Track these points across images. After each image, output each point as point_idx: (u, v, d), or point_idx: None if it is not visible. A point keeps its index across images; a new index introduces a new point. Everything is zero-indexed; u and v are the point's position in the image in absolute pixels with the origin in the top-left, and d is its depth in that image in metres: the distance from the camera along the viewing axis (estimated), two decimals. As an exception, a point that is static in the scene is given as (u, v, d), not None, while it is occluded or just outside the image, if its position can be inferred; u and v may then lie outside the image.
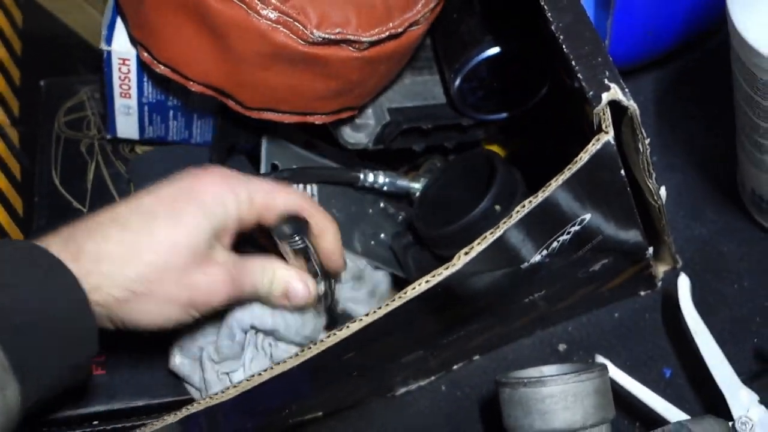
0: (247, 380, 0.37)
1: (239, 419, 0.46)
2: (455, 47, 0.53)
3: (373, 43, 0.46)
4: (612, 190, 0.36)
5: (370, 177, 0.56)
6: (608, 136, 0.31)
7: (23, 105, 0.62)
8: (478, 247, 0.32)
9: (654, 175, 0.39)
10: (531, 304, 0.48)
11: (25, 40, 0.66)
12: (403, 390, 0.59)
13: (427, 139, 0.56)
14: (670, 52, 0.55)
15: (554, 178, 0.32)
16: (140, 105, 0.54)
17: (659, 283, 0.55)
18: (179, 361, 0.45)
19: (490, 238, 0.32)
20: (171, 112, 0.56)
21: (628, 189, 0.37)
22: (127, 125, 0.56)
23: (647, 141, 0.35)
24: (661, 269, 0.53)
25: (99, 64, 0.54)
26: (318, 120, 0.50)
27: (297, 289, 0.42)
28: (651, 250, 0.47)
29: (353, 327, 0.35)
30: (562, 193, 0.33)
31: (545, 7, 0.35)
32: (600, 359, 0.49)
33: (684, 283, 0.48)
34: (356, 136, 0.55)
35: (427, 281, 0.33)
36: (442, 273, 0.33)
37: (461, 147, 0.58)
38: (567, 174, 0.32)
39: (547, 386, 0.44)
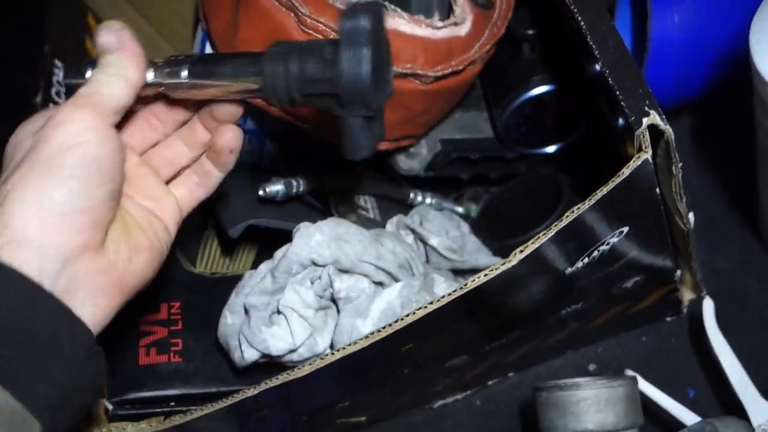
0: (309, 364, 0.41)
1: (288, 411, 0.50)
2: (504, 86, 0.59)
3: (437, 78, 0.52)
4: (647, 207, 0.42)
5: (420, 197, 0.62)
6: (647, 155, 0.37)
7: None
8: (533, 245, 0.38)
9: (684, 199, 0.44)
10: (566, 319, 0.53)
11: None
12: (440, 403, 0.63)
13: (473, 169, 0.62)
14: (698, 99, 0.61)
15: (599, 189, 0.37)
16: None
17: (684, 310, 0.59)
18: (230, 321, 0.49)
19: (542, 238, 0.38)
20: (247, 137, 0.62)
21: (662, 208, 0.42)
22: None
23: (680, 164, 0.41)
24: (686, 296, 0.58)
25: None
26: (382, 146, 0.57)
27: None
28: (678, 273, 0.52)
29: (419, 313, 0.40)
30: (605, 203, 0.38)
31: (594, 47, 0.41)
32: (630, 372, 0.54)
33: (709, 305, 0.53)
34: (409, 163, 0.61)
35: (485, 274, 0.38)
36: (499, 267, 0.38)
37: (503, 178, 0.64)
38: (611, 185, 0.37)
39: (581, 389, 0.48)
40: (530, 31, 0.58)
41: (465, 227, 0.57)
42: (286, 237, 0.49)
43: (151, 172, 0.43)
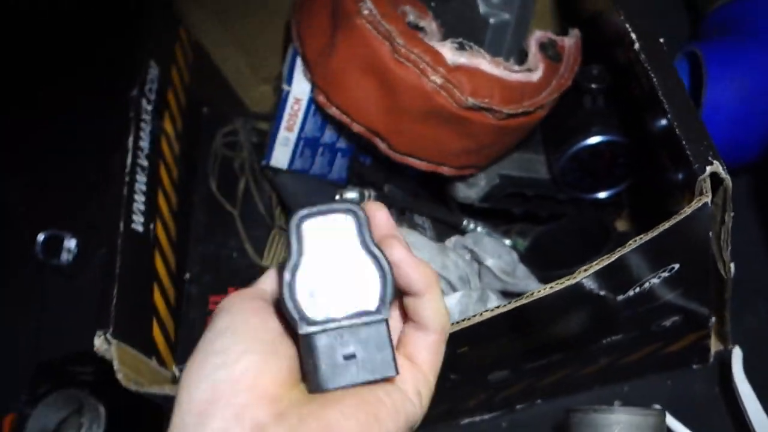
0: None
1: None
2: (564, 133, 0.64)
3: (509, 115, 0.57)
4: (698, 248, 0.46)
5: (472, 224, 0.67)
6: (707, 199, 0.42)
7: (185, 125, 0.74)
8: (596, 266, 0.42)
9: (729, 248, 0.48)
10: (603, 350, 0.57)
11: (192, 73, 0.79)
12: (467, 420, 0.67)
13: (526, 205, 0.67)
14: (746, 162, 0.66)
15: (663, 223, 0.42)
16: (298, 138, 0.66)
17: (711, 359, 0.63)
18: None
19: (605, 261, 0.42)
20: (320, 149, 0.68)
21: (710, 252, 0.47)
22: (281, 155, 0.68)
23: (732, 214, 0.45)
24: (714, 346, 0.62)
25: (254, 101, 0.66)
26: (447, 172, 0.62)
27: None
28: (713, 320, 0.56)
29: (475, 319, 0.44)
30: (664, 237, 0.42)
31: (664, 101, 0.46)
32: (657, 407, 0.57)
33: (738, 354, 0.57)
34: (467, 191, 0.66)
35: (551, 287, 0.43)
36: (563, 282, 0.43)
37: (552, 217, 0.69)
38: (673, 221, 0.42)
39: (615, 414, 0.52)
40: (593, 85, 0.63)
41: (515, 255, 0.61)
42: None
43: None
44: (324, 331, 0.30)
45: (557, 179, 0.65)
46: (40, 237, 0.95)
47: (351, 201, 0.59)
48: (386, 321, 0.31)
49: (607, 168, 0.64)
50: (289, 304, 0.30)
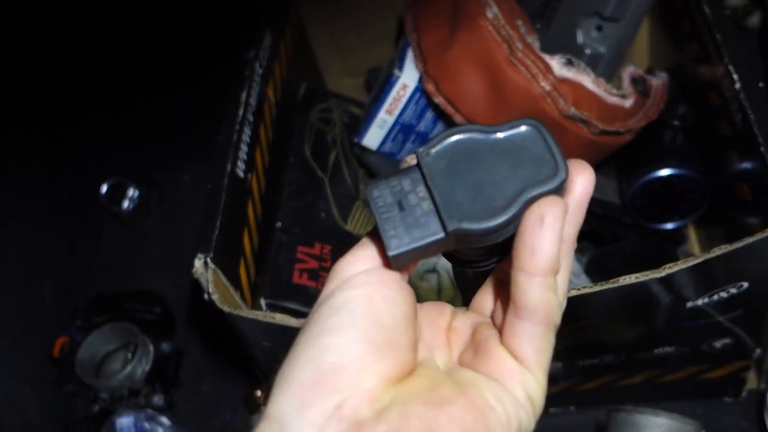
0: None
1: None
2: (641, 161, 0.69)
3: (602, 132, 0.62)
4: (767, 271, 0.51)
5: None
6: (790, 223, 0.46)
7: (284, 95, 0.80)
8: (683, 264, 0.47)
9: (791, 281, 0.53)
10: (651, 361, 0.61)
11: (295, 51, 0.85)
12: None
13: (590, 224, 0.72)
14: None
15: (746, 238, 0.46)
16: (395, 123, 0.71)
17: (744, 394, 0.67)
18: None
19: (691, 261, 0.47)
20: (413, 136, 0.73)
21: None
22: (374, 136, 0.73)
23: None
24: (750, 381, 0.66)
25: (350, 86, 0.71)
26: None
27: None
28: (758, 352, 0.60)
29: (572, 292, 0.48)
30: (743, 252, 0.47)
31: (759, 136, 0.51)
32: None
33: (774, 389, 0.61)
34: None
35: (636, 277, 0.47)
36: (648, 275, 0.47)
37: (614, 239, 0.73)
38: (755, 238, 0.46)
39: (658, 416, 0.56)
40: (676, 122, 0.68)
41: (580, 265, 0.66)
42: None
43: None
44: None
45: (626, 205, 0.70)
46: (105, 185, 1.00)
47: None
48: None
49: (676, 201, 0.68)
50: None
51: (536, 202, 0.27)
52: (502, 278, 0.32)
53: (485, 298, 0.33)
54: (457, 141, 0.29)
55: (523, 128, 0.29)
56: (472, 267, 0.33)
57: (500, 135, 0.29)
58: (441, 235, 0.28)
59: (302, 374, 0.27)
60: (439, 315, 0.33)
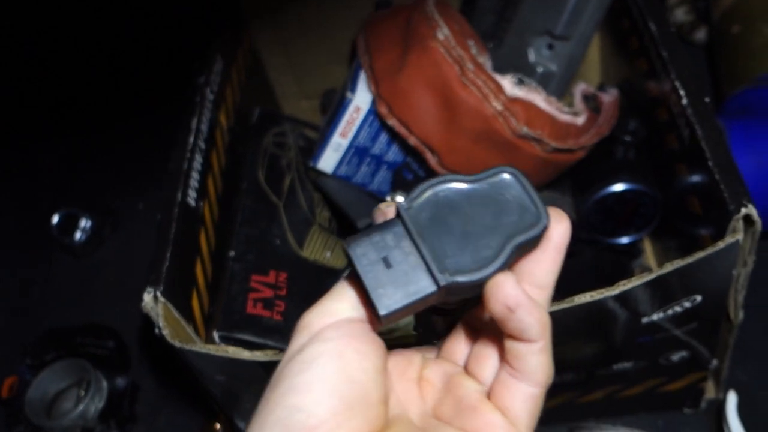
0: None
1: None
2: (594, 177, 0.70)
3: (555, 149, 0.63)
4: (721, 285, 0.51)
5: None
6: (740, 236, 0.47)
7: (237, 121, 0.79)
8: (637, 280, 0.47)
9: (744, 294, 0.53)
10: (610, 378, 0.61)
11: (249, 76, 0.84)
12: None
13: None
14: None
15: (698, 252, 0.46)
16: (350, 145, 0.71)
17: (703, 404, 0.67)
18: None
19: (645, 276, 0.47)
20: (368, 159, 0.72)
21: (730, 290, 0.52)
22: (329, 159, 0.72)
23: (754, 259, 0.50)
24: (708, 391, 0.66)
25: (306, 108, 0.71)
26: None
27: None
28: (714, 363, 0.61)
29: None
30: (695, 266, 0.47)
31: (707, 150, 0.51)
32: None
33: (733, 398, 0.61)
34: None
35: (591, 295, 0.47)
36: (603, 292, 0.47)
37: (569, 255, 0.73)
38: (707, 252, 0.46)
39: (618, 431, 0.56)
40: (627, 138, 0.69)
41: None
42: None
43: None
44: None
45: (581, 220, 0.70)
46: (56, 215, 0.97)
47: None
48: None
49: (630, 215, 0.69)
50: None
51: (496, 288, 0.27)
52: (473, 324, 0.32)
53: (457, 346, 0.32)
54: (438, 192, 0.29)
55: (501, 176, 0.29)
56: (445, 314, 0.32)
57: (479, 184, 0.29)
58: (433, 289, 0.27)
59: None
60: (408, 365, 0.32)
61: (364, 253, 0.28)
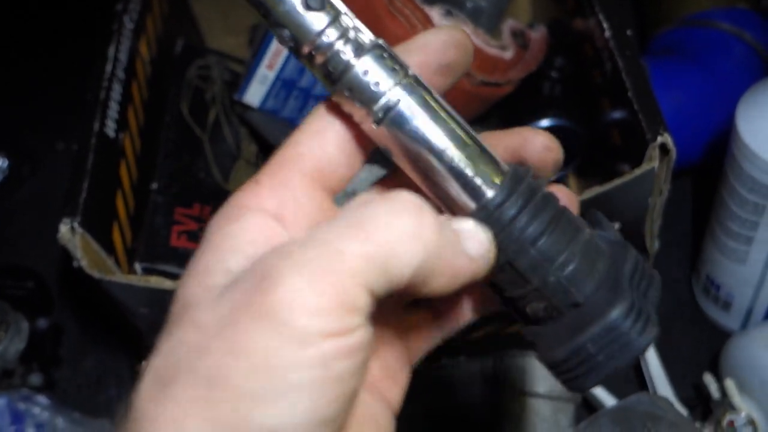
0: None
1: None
2: (521, 114, 0.70)
3: (482, 83, 0.63)
4: (638, 212, 0.53)
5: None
6: (655, 164, 0.48)
7: (159, 52, 0.76)
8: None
9: (659, 223, 0.55)
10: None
11: (172, 8, 0.81)
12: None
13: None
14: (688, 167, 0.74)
15: (615, 180, 0.48)
16: (276, 78, 0.69)
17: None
18: None
19: (564, 204, 0.48)
20: (295, 92, 0.71)
21: (647, 218, 0.54)
22: (255, 92, 0.70)
23: (669, 188, 0.52)
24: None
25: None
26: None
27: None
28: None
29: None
30: (614, 193, 0.49)
31: (627, 81, 0.52)
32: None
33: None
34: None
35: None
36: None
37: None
38: (624, 179, 0.48)
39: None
40: (553, 74, 0.70)
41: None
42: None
43: None
44: None
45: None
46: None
47: None
48: None
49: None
50: None
51: None
52: None
53: None
54: None
55: None
56: None
57: None
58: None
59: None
60: None
61: None
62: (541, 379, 0.58)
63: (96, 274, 0.52)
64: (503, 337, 0.68)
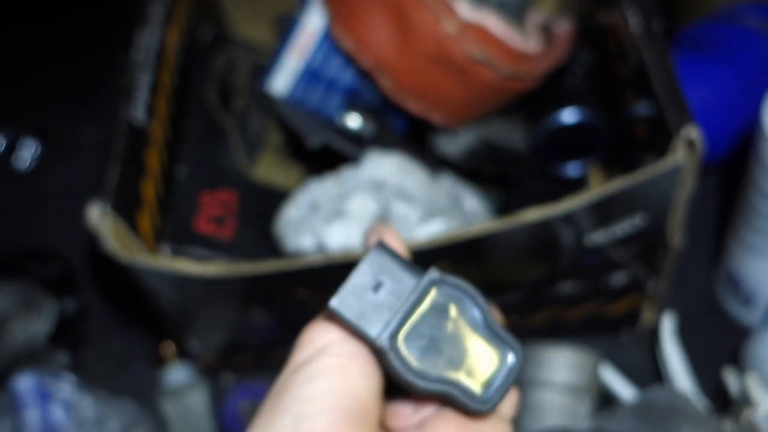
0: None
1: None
2: (545, 108, 0.70)
3: (507, 76, 0.63)
4: (662, 205, 0.53)
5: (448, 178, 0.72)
6: (680, 159, 0.48)
7: (189, 40, 0.76)
8: (579, 199, 0.48)
9: (683, 216, 0.55)
10: (553, 299, 0.63)
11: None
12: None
13: (499, 169, 0.73)
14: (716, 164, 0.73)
15: (641, 172, 0.48)
16: (303, 69, 0.70)
17: (640, 328, 0.70)
18: (292, 212, 0.56)
19: (589, 195, 0.48)
20: (320, 83, 0.71)
21: (670, 211, 0.54)
22: (282, 81, 0.71)
23: (695, 182, 0.52)
24: (645, 314, 0.69)
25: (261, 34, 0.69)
26: (437, 119, 0.67)
27: None
28: (651, 285, 0.63)
29: (456, 237, 0.49)
30: (639, 185, 0.49)
31: (651, 74, 0.52)
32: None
33: (668, 320, 0.64)
34: (446, 147, 0.71)
35: (537, 213, 0.48)
36: (549, 210, 0.48)
37: (519, 181, 0.75)
38: (649, 172, 0.48)
39: (560, 349, 0.58)
40: (578, 68, 0.70)
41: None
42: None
43: None
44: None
45: (532, 151, 0.71)
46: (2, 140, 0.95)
47: (352, 126, 0.64)
48: None
49: (579, 145, 0.70)
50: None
51: None
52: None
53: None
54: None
55: None
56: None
57: None
58: (372, 336, 0.30)
59: None
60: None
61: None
62: (558, 369, 0.58)
63: (124, 257, 0.53)
64: (522, 327, 0.68)
